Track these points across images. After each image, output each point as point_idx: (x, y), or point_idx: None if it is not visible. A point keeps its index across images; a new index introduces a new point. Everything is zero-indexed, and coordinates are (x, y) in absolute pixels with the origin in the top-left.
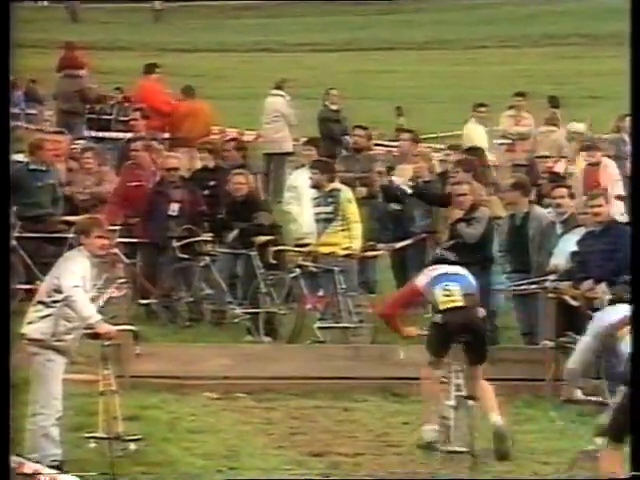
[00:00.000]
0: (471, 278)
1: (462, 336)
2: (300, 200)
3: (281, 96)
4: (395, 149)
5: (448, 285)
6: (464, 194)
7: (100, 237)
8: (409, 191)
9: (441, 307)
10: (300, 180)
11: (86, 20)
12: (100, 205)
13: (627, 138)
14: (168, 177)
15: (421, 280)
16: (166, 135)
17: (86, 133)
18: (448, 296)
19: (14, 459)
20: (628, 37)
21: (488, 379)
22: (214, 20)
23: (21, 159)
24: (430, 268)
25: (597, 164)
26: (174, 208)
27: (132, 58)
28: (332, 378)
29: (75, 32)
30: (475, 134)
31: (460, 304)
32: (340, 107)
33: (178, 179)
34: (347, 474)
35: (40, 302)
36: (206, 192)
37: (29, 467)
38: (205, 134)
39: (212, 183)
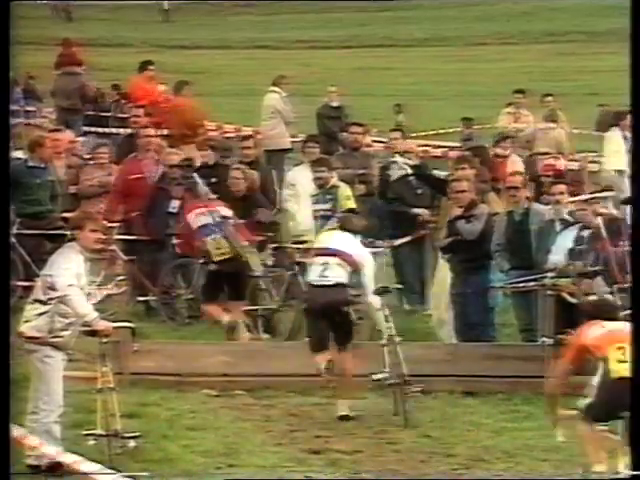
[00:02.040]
0: None
1: None
2: (298, 197)
3: (277, 93)
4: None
5: None
6: (463, 191)
7: (94, 231)
8: (410, 171)
9: None
10: (298, 177)
11: (85, 17)
12: (102, 194)
13: (628, 134)
14: (169, 173)
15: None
16: (164, 132)
17: (85, 130)
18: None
19: (17, 429)
20: (627, 33)
21: (487, 376)
22: (213, 17)
23: (20, 156)
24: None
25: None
26: (174, 205)
27: (131, 55)
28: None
29: (74, 29)
30: (616, 145)
31: None
32: (341, 104)
33: (179, 176)
34: (346, 472)
35: (36, 300)
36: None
37: (32, 440)
38: (192, 131)
39: (213, 180)
